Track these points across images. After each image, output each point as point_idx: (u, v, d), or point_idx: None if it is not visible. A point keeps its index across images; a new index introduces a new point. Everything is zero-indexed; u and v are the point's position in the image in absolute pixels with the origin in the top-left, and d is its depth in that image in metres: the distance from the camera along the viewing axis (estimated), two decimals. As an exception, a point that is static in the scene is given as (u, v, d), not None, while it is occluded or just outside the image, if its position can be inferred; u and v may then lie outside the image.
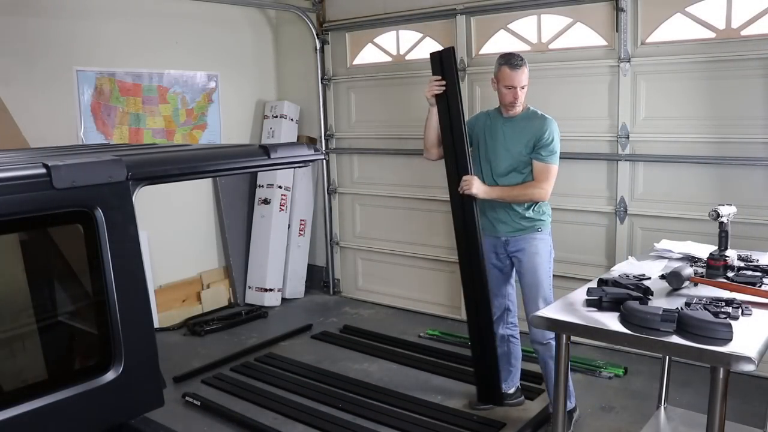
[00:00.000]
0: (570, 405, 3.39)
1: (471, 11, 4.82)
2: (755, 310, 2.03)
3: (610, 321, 2.03)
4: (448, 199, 5.11)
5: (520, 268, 3.44)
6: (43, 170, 1.55)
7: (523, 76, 3.27)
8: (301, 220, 5.86)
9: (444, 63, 3.44)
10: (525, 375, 3.86)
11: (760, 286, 2.24)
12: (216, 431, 3.57)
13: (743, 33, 3.88)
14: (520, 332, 3.66)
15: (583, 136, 4.37)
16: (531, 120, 3.36)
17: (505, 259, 3.49)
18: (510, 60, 3.26)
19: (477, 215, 3.43)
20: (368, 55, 5.58)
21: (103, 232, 1.65)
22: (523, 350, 3.73)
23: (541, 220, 3.41)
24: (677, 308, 1.98)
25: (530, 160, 3.32)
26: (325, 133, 5.81)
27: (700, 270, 2.48)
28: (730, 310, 2.01)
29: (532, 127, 3.33)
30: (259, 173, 5.71)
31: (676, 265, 2.58)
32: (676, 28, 4.09)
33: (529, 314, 3.21)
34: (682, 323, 1.89)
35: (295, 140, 5.71)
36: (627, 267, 2.65)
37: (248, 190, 5.83)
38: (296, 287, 5.89)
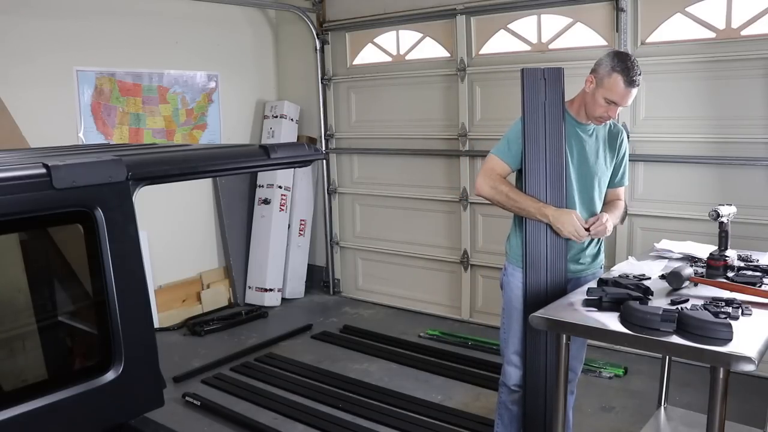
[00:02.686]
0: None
1: (471, 11, 4.82)
2: (755, 310, 2.03)
3: (610, 321, 2.03)
4: (449, 200, 5.19)
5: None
6: (43, 170, 1.55)
7: (633, 96, 2.55)
8: (301, 220, 5.86)
9: (548, 87, 2.65)
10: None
11: (760, 286, 2.24)
12: (216, 431, 3.57)
13: (743, 33, 3.88)
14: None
15: (583, 136, 4.37)
16: (609, 129, 2.74)
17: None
18: (629, 71, 2.48)
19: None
20: (368, 55, 5.58)
21: (103, 232, 1.65)
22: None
23: (603, 249, 2.86)
24: (677, 308, 1.98)
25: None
26: (325, 133, 5.81)
27: (700, 270, 2.48)
28: (730, 310, 2.01)
29: (611, 139, 2.74)
30: (259, 173, 5.70)
31: (676, 265, 2.58)
32: (676, 28, 4.09)
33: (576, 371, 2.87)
34: (682, 323, 1.89)
35: (295, 140, 5.71)
36: (627, 267, 2.65)
37: (248, 190, 5.83)
38: (296, 287, 5.89)
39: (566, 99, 2.70)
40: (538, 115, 2.62)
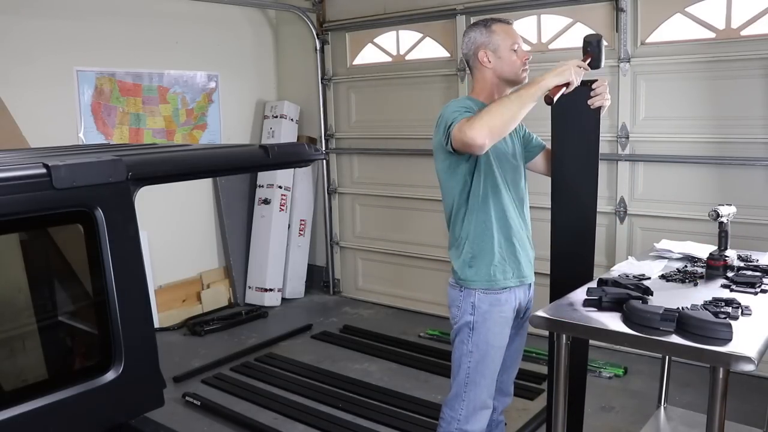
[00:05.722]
0: None
1: (471, 11, 4.82)
2: (755, 310, 2.03)
3: (610, 321, 2.02)
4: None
5: (521, 326, 2.61)
6: (43, 170, 1.55)
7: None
8: (301, 220, 5.86)
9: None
10: (525, 375, 3.85)
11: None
12: (216, 431, 3.57)
13: (743, 33, 3.88)
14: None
15: (583, 136, 4.37)
16: None
17: (519, 318, 2.56)
18: (499, 18, 2.46)
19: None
20: (368, 55, 5.58)
21: (103, 232, 1.66)
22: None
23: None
24: (678, 308, 1.98)
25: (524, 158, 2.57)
26: (325, 133, 5.81)
27: (699, 270, 2.48)
28: (729, 310, 2.00)
29: None
30: (259, 173, 5.71)
31: (676, 265, 2.58)
32: (676, 28, 4.09)
33: (507, 390, 2.71)
34: (682, 323, 1.89)
35: (295, 140, 5.71)
36: (627, 267, 2.64)
37: (248, 190, 5.83)
38: (296, 287, 5.89)
39: (466, 95, 2.48)
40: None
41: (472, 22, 2.50)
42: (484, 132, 2.11)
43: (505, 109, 2.15)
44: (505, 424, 2.82)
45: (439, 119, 2.34)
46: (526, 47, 2.45)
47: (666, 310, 1.93)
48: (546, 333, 2.22)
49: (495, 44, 2.37)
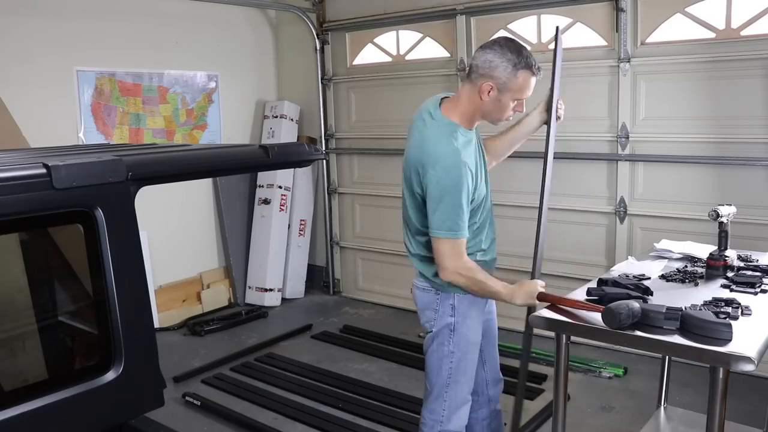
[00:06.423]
0: None
1: (471, 11, 4.82)
2: (755, 310, 2.03)
3: (610, 321, 2.02)
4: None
5: (492, 324, 2.68)
6: (43, 170, 1.55)
7: None
8: (301, 220, 5.86)
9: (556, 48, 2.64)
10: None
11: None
12: (216, 431, 3.57)
13: (743, 33, 3.88)
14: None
15: (583, 137, 4.37)
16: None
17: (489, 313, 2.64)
18: (528, 59, 2.24)
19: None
20: (368, 55, 5.58)
21: (103, 232, 1.66)
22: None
23: None
24: (680, 308, 1.98)
25: None
26: (325, 133, 5.81)
27: (699, 270, 2.48)
28: (730, 310, 2.01)
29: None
30: (259, 173, 5.71)
31: (675, 265, 2.58)
32: (676, 28, 4.09)
33: (496, 376, 2.73)
34: (683, 323, 1.89)
35: (295, 140, 5.71)
36: (627, 267, 2.65)
37: (248, 190, 5.83)
38: (296, 287, 5.89)
39: (444, 113, 2.47)
40: None
41: (509, 42, 2.30)
42: (456, 282, 2.35)
43: (477, 288, 2.34)
44: (504, 420, 2.82)
45: (427, 176, 2.45)
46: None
47: (669, 308, 1.93)
48: (546, 333, 2.22)
49: (508, 87, 2.26)
